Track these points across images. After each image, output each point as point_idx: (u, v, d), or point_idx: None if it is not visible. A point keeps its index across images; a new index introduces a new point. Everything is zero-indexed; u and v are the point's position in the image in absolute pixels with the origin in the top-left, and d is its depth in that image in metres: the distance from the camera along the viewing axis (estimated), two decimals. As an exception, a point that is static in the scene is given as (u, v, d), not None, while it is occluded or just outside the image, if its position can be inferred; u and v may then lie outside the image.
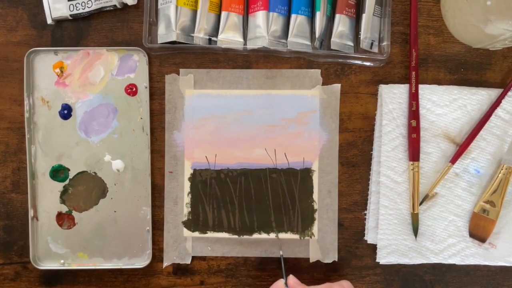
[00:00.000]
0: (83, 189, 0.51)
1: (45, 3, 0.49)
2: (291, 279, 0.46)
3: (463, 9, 0.46)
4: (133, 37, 0.50)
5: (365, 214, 0.51)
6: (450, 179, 0.50)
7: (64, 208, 0.51)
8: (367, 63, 0.50)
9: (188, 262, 0.51)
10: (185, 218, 0.50)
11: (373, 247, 0.50)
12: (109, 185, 0.51)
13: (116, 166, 0.50)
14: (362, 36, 0.48)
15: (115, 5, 0.49)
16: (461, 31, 0.49)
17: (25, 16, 0.50)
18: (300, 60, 0.50)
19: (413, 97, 0.49)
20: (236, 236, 0.50)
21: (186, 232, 0.50)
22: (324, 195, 0.50)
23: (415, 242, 0.50)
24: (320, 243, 0.50)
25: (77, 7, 0.49)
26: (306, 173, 0.50)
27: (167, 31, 0.48)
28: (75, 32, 0.50)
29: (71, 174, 0.51)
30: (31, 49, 0.49)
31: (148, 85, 0.50)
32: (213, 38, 0.49)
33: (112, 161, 0.50)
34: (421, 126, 0.49)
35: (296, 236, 0.50)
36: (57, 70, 0.50)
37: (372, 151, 0.50)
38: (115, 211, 0.51)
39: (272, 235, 0.50)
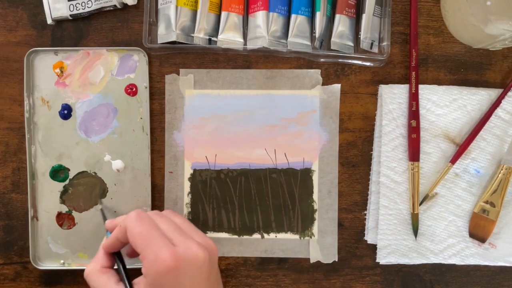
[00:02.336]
0: (83, 189, 0.51)
1: (45, 3, 0.49)
2: (108, 222, 0.44)
3: (463, 9, 0.46)
4: (133, 37, 0.50)
5: (365, 214, 0.51)
6: (450, 179, 0.50)
7: (64, 208, 0.51)
8: (367, 63, 0.50)
9: (188, 262, 0.51)
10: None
11: (373, 247, 0.50)
12: (109, 185, 0.51)
13: (116, 166, 0.50)
14: (362, 36, 0.48)
15: (115, 5, 0.49)
16: (461, 31, 0.49)
17: (25, 16, 0.50)
18: (300, 60, 0.50)
19: (413, 97, 0.49)
20: (236, 236, 0.50)
21: (186, 232, 0.50)
22: (324, 195, 0.50)
23: (415, 242, 0.50)
24: (320, 243, 0.50)
25: (77, 7, 0.49)
26: (306, 173, 0.50)
27: (167, 31, 0.48)
28: (75, 32, 0.50)
29: (71, 174, 0.51)
30: (31, 49, 0.49)
31: (148, 85, 0.50)
32: (213, 38, 0.49)
33: (112, 161, 0.50)
34: (421, 126, 0.49)
35: (296, 236, 0.50)
36: (57, 70, 0.50)
37: (372, 151, 0.50)
38: (115, 211, 0.51)
39: (272, 235, 0.50)
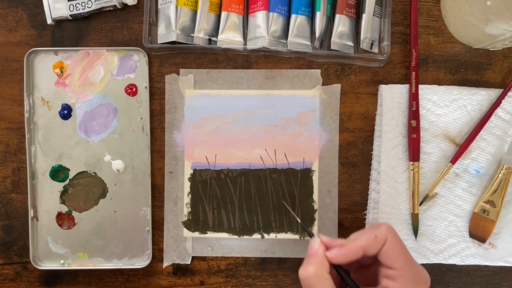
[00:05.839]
0: (83, 189, 0.51)
1: (45, 3, 0.49)
2: (323, 237, 0.40)
3: (463, 9, 0.46)
4: (133, 37, 0.50)
5: (365, 214, 0.51)
6: (450, 179, 0.50)
7: (64, 208, 0.51)
8: (367, 63, 0.50)
9: (188, 262, 0.51)
10: (185, 218, 0.50)
11: (373, 247, 0.50)
12: (109, 185, 0.51)
13: (116, 166, 0.50)
14: (362, 36, 0.48)
15: (115, 5, 0.49)
16: (461, 31, 0.49)
17: (25, 16, 0.50)
18: (300, 60, 0.50)
19: (413, 97, 0.49)
20: (236, 236, 0.50)
21: (186, 232, 0.50)
22: (324, 195, 0.50)
23: (415, 242, 0.50)
24: (320, 243, 0.50)
25: (77, 7, 0.49)
26: (306, 173, 0.50)
27: (167, 31, 0.48)
28: (75, 32, 0.50)
29: (71, 174, 0.51)
30: (31, 49, 0.49)
31: (148, 85, 0.50)
32: (213, 38, 0.49)
33: (112, 161, 0.50)
34: (421, 126, 0.49)
35: (296, 236, 0.50)
36: (57, 70, 0.50)
37: (372, 151, 0.50)
38: (115, 211, 0.51)
39: (272, 235, 0.50)
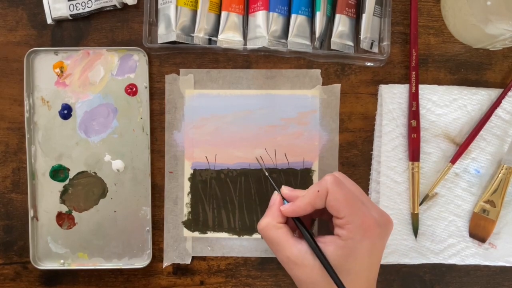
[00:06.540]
0: (83, 189, 0.51)
1: (45, 3, 0.49)
2: (284, 189, 0.44)
3: (463, 9, 0.46)
4: (133, 37, 0.50)
5: (365, 214, 0.51)
6: (450, 179, 0.50)
7: (64, 208, 0.51)
8: (367, 63, 0.50)
9: (188, 262, 0.51)
10: (185, 218, 0.50)
11: (373, 247, 0.50)
12: (109, 185, 0.51)
13: (116, 166, 0.50)
14: (362, 36, 0.48)
15: (115, 5, 0.49)
16: (461, 31, 0.49)
17: (25, 16, 0.50)
18: (300, 60, 0.50)
19: (413, 97, 0.49)
20: (236, 236, 0.50)
21: (186, 232, 0.50)
22: (324, 195, 0.50)
23: (415, 242, 0.50)
24: (320, 243, 0.50)
25: (77, 7, 0.49)
26: (306, 173, 0.50)
27: (167, 31, 0.48)
28: (75, 32, 0.50)
29: (71, 174, 0.51)
30: (31, 49, 0.49)
31: (148, 85, 0.50)
32: (213, 38, 0.49)
33: (112, 161, 0.50)
34: (421, 126, 0.49)
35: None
36: (57, 70, 0.50)
37: (372, 151, 0.50)
38: (115, 211, 0.51)
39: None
